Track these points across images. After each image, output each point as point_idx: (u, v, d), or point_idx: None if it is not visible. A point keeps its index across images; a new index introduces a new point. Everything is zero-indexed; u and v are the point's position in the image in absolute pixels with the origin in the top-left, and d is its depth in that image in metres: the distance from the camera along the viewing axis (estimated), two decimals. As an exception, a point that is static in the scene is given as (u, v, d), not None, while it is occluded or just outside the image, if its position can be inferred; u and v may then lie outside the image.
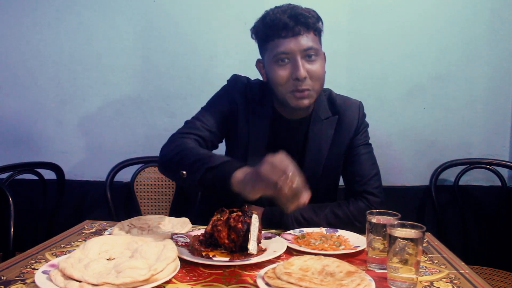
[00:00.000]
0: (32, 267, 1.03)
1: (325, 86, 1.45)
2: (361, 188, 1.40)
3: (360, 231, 1.23)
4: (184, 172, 1.12)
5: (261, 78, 1.44)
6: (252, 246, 1.05)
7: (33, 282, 0.89)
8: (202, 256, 1.07)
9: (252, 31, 1.36)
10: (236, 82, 1.45)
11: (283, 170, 0.91)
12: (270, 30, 1.27)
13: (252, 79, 1.48)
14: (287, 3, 1.31)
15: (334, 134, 1.42)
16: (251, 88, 1.43)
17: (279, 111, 1.41)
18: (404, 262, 0.92)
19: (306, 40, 1.26)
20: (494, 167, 1.98)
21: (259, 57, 1.40)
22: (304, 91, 1.28)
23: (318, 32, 1.31)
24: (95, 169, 2.21)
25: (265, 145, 1.39)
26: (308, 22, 1.26)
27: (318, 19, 1.31)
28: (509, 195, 1.98)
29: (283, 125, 1.42)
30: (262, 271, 0.95)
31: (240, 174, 1.01)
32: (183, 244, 1.14)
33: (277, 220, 1.35)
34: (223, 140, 1.48)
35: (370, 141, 1.49)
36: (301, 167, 1.38)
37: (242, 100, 1.41)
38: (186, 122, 1.39)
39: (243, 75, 1.49)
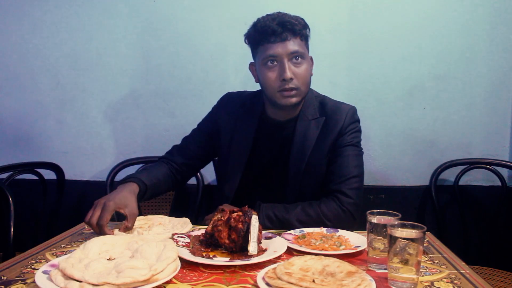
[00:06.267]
0: (33, 267, 1.03)
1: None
2: (335, 186, 1.40)
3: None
4: None
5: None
6: (252, 248, 1.05)
7: (33, 282, 0.89)
8: (202, 256, 1.07)
9: (245, 36, 1.46)
10: (222, 101, 1.63)
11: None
12: (260, 35, 1.39)
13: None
14: (276, 12, 1.41)
15: (319, 133, 1.46)
16: (240, 100, 1.58)
17: (269, 114, 1.51)
18: (405, 262, 0.92)
19: (292, 45, 1.37)
20: (494, 167, 1.98)
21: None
22: (291, 90, 1.38)
23: (304, 37, 1.42)
24: (95, 169, 2.22)
25: (249, 147, 1.50)
26: (295, 28, 1.37)
27: (305, 26, 1.41)
28: (509, 195, 1.98)
29: (271, 126, 1.51)
30: (262, 271, 0.95)
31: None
32: (184, 244, 1.14)
33: None
34: (213, 155, 1.65)
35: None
36: (286, 164, 1.46)
37: (227, 115, 1.56)
38: (173, 146, 1.63)
39: (237, 88, 1.63)
